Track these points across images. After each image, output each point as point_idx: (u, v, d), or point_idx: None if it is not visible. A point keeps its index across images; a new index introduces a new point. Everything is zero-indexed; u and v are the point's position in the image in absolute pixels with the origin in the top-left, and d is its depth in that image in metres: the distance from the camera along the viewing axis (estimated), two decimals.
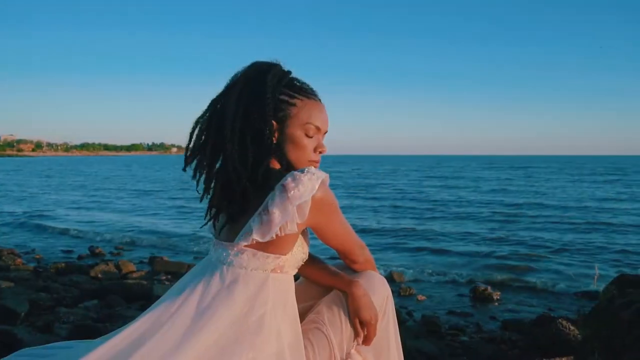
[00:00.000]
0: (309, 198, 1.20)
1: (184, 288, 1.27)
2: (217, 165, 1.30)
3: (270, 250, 1.25)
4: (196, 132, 1.32)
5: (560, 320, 3.84)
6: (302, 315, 1.36)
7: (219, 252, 1.30)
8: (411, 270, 6.93)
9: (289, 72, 1.37)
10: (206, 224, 1.38)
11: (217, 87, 1.36)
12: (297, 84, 1.36)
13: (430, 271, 6.93)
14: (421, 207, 15.89)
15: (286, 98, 1.31)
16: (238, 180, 1.24)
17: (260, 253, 1.25)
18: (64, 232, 10.56)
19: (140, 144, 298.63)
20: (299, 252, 1.31)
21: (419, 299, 5.52)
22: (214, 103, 1.33)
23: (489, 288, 5.77)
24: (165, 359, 1.14)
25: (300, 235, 1.30)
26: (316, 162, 1.36)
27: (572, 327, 3.69)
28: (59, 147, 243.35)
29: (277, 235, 1.22)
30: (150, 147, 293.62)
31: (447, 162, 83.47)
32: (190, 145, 1.32)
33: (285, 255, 1.27)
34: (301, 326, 1.32)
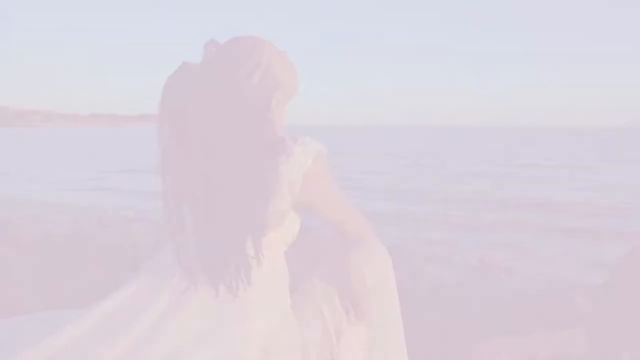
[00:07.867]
0: (301, 174, 1.06)
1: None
2: None
3: None
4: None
5: (569, 291, 3.73)
6: (291, 287, 1.25)
7: None
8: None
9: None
10: None
11: None
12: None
13: (433, 242, 6.83)
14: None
15: None
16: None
17: None
18: None
19: None
20: (293, 226, 1.19)
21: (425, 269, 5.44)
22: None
23: (495, 258, 5.68)
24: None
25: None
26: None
27: (580, 299, 3.58)
28: (71, 119, 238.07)
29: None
30: None
31: None
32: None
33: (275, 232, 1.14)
34: (292, 298, 1.22)
